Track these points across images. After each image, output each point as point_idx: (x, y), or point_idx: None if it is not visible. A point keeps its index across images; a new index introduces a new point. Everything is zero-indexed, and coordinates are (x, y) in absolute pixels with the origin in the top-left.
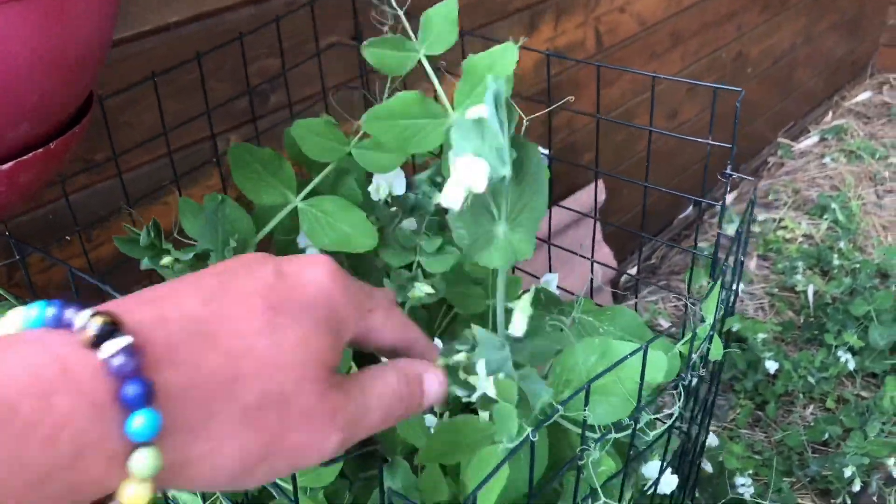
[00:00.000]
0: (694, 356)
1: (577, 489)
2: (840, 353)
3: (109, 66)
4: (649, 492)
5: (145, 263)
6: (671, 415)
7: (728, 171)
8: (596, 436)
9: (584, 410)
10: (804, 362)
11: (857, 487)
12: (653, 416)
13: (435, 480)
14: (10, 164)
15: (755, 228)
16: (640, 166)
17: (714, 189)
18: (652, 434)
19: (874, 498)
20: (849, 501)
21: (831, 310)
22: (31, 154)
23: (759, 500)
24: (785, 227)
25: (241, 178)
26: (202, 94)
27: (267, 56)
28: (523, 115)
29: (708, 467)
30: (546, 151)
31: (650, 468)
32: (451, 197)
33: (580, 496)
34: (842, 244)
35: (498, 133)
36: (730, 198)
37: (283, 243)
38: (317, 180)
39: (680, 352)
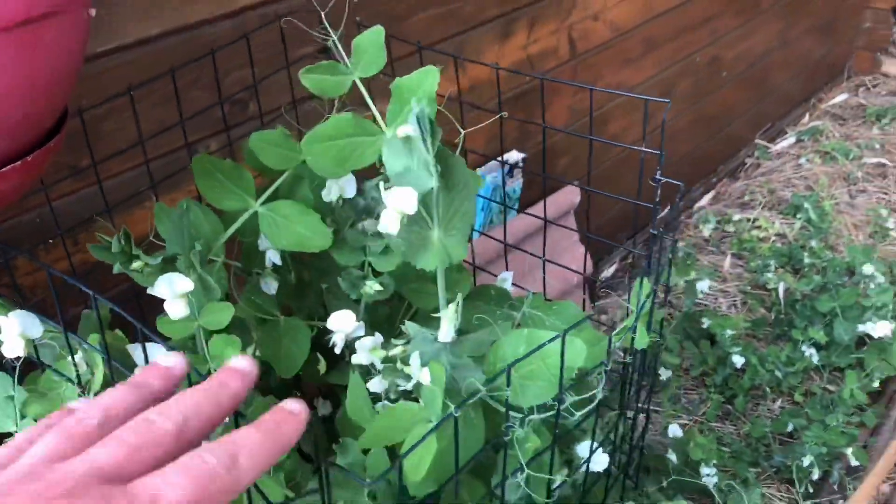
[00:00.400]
0: (616, 344)
1: (505, 463)
2: (804, 347)
3: (93, 78)
4: (582, 469)
5: (117, 268)
6: (598, 398)
7: (658, 175)
8: (528, 415)
9: (507, 391)
10: (771, 357)
11: (815, 476)
12: (577, 398)
13: (379, 459)
14: None
15: (730, 228)
16: (614, 170)
17: (693, 190)
18: (578, 415)
19: (835, 486)
20: (811, 490)
21: (800, 306)
22: (9, 167)
23: (696, 479)
24: (759, 227)
25: (205, 187)
26: (184, 103)
27: (244, 66)
28: (461, 130)
29: (674, 458)
30: (521, 156)
31: (582, 448)
32: (389, 222)
33: (509, 470)
34: (813, 243)
35: (423, 149)
36: (706, 198)
37: (247, 245)
38: (273, 187)
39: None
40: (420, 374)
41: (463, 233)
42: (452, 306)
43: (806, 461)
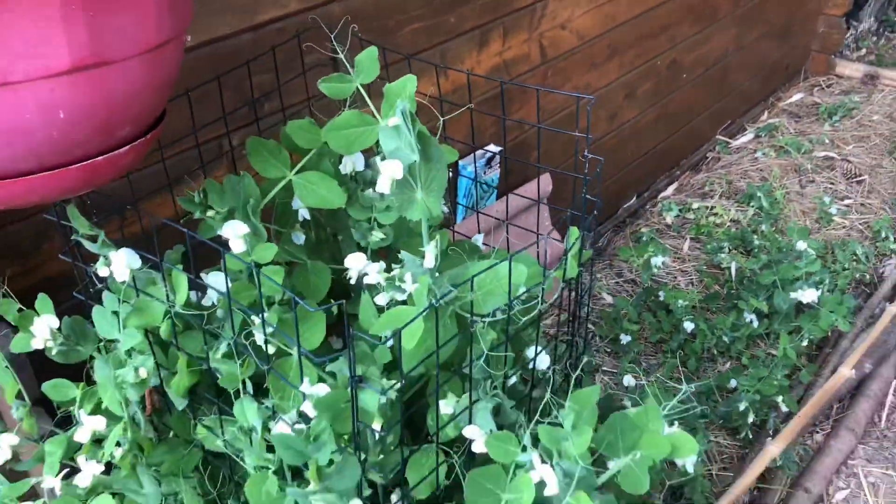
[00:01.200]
0: (550, 273)
1: (471, 348)
2: (747, 315)
3: None
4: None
5: (198, 214)
6: (539, 307)
7: (586, 153)
8: (487, 319)
9: (470, 295)
10: (719, 324)
11: (751, 419)
12: (523, 307)
13: (384, 349)
14: (125, 148)
15: (690, 216)
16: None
17: (658, 181)
18: (524, 319)
19: (771, 432)
20: (751, 436)
21: (747, 281)
22: (136, 142)
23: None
24: (716, 214)
25: (255, 160)
26: (212, 102)
27: (263, 72)
28: (440, 116)
29: (628, 404)
30: (497, 148)
31: (531, 351)
32: (384, 185)
33: (475, 355)
34: (764, 227)
35: (407, 134)
36: (670, 189)
37: (282, 205)
38: (304, 161)
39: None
40: (411, 287)
41: (439, 193)
42: (433, 241)
43: (742, 406)
